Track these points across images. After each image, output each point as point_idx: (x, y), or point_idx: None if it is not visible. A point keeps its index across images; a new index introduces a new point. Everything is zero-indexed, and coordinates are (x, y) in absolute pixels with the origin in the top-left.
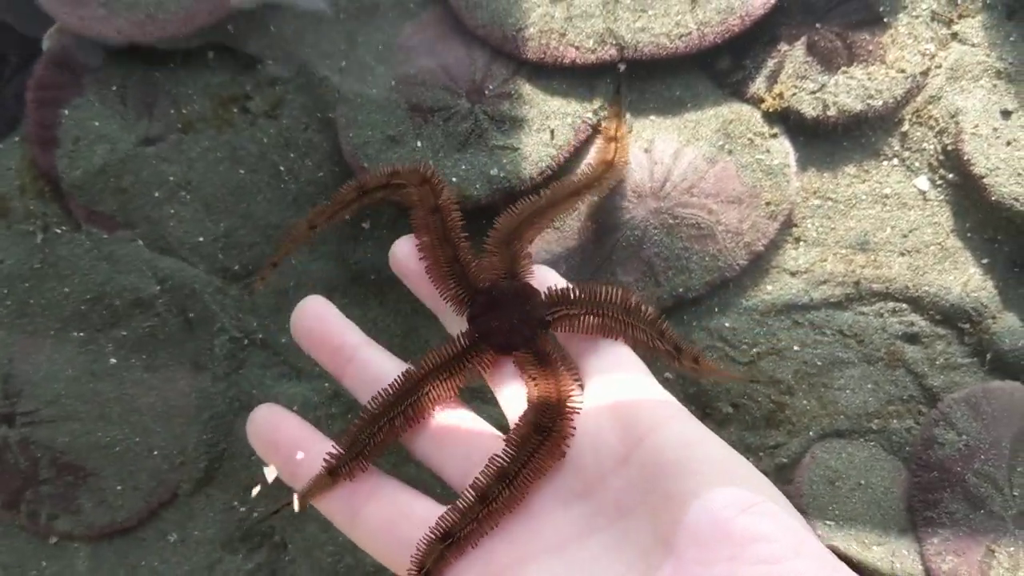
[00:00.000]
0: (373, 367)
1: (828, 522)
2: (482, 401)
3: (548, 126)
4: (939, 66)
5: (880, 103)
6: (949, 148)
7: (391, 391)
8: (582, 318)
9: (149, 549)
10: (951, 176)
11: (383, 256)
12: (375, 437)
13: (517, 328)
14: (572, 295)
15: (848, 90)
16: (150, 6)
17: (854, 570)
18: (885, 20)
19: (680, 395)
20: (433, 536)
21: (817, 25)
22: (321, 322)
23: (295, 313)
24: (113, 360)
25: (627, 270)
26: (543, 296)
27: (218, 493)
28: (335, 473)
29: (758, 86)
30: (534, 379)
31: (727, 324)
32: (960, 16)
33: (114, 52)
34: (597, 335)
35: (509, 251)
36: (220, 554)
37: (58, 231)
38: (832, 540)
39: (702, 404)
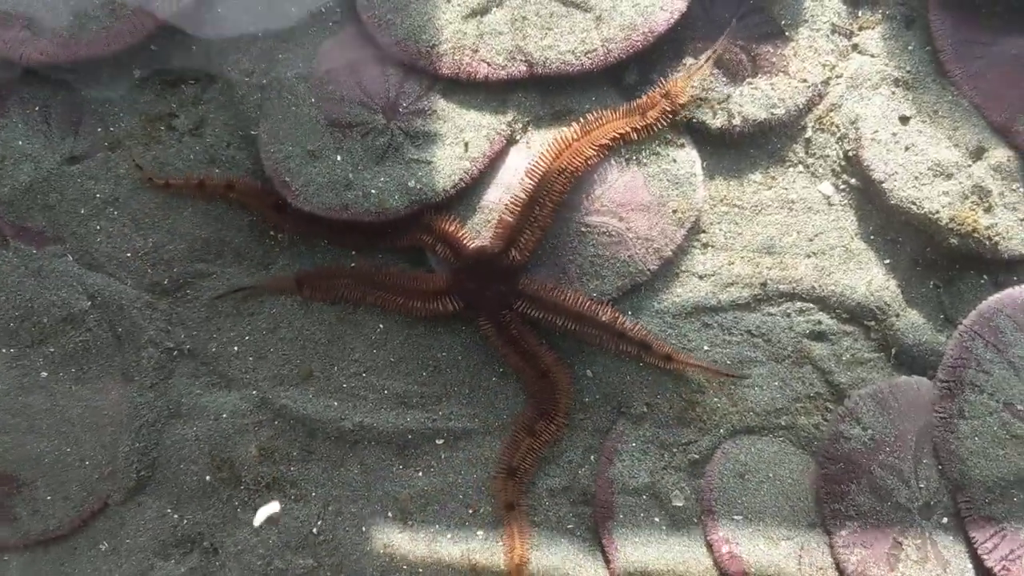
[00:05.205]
0: None
1: (737, 516)
2: None
3: (463, 139)
4: (839, 75)
5: (783, 111)
6: (850, 154)
7: (376, 274)
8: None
9: (82, 557)
10: (853, 181)
11: (302, 263)
12: (343, 286)
13: (487, 299)
14: (544, 296)
15: (753, 100)
16: (72, 28)
17: None
18: (787, 33)
19: (596, 394)
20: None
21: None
22: None
23: None
24: (44, 373)
25: (542, 276)
26: (520, 284)
27: (150, 501)
28: (301, 283)
29: None
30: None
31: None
32: (861, 28)
33: (37, 73)
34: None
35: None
36: (152, 560)
37: None
38: (740, 535)
39: (617, 403)
